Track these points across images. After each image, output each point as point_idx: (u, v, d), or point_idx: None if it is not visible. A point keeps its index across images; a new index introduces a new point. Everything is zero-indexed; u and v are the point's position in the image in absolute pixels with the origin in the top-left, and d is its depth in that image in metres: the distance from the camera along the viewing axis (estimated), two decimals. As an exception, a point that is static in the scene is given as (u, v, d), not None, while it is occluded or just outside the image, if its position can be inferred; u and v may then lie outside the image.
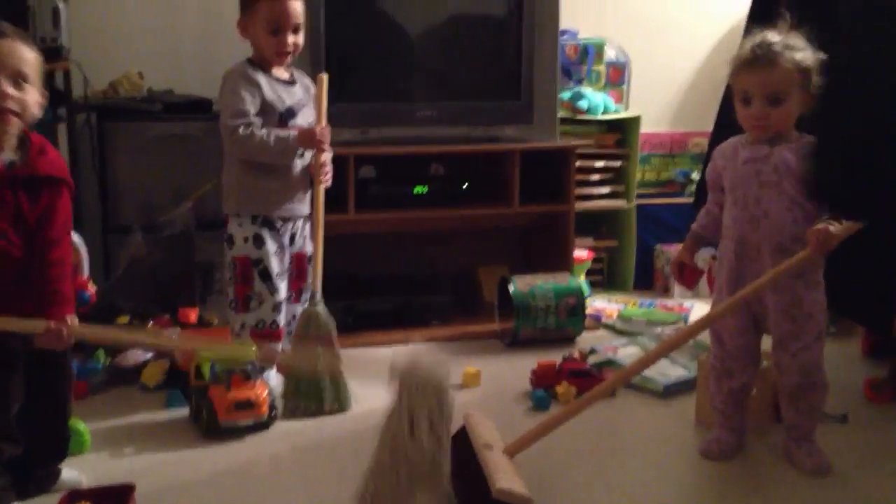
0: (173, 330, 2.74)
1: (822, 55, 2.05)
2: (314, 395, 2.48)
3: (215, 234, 3.19)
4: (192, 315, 2.82)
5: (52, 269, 1.79)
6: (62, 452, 2.00)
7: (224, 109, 2.51)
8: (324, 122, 2.58)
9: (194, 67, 3.54)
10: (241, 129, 2.46)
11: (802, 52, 2.04)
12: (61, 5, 3.04)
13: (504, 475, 1.79)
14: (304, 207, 2.66)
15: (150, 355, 2.70)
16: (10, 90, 1.73)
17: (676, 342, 2.21)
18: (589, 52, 3.80)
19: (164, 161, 3.24)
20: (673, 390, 2.58)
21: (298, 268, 2.68)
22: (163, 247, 3.04)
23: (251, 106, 2.49)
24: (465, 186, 3.32)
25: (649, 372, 2.55)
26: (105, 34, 3.48)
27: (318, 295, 2.56)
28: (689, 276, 2.22)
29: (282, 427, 2.37)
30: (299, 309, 2.66)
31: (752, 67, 2.05)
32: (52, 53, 2.91)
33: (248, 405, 2.29)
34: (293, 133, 2.52)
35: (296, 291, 2.69)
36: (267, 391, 2.34)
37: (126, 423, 2.40)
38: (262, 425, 2.33)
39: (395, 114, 3.23)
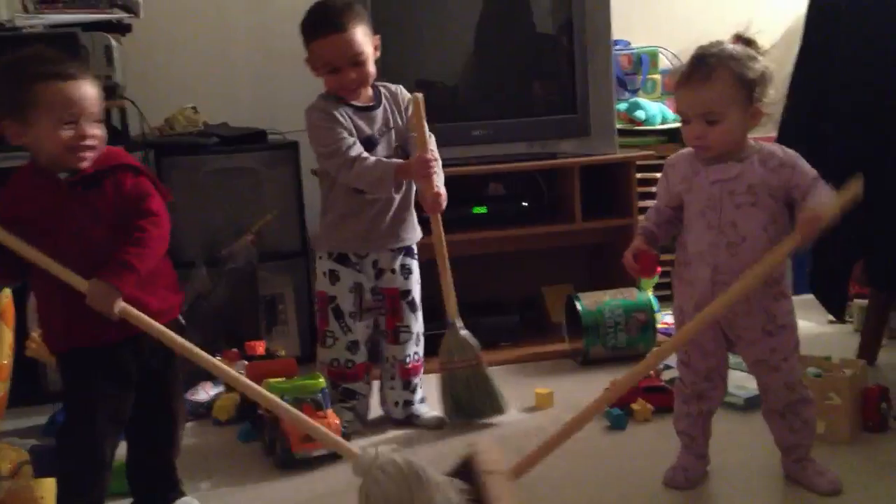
0: (241, 363, 2.72)
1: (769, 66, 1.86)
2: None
3: (277, 265, 3.20)
4: (259, 348, 2.81)
5: (137, 233, 1.82)
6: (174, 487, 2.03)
7: (319, 146, 2.44)
8: (432, 144, 2.46)
9: (248, 99, 3.56)
10: (349, 152, 2.38)
11: (747, 63, 1.85)
12: (114, 44, 3.06)
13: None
14: (388, 241, 2.52)
15: (220, 389, 2.70)
16: (97, 131, 1.83)
17: (646, 367, 1.97)
18: (643, 62, 3.75)
19: (223, 195, 3.21)
20: (755, 402, 2.48)
21: (392, 306, 2.54)
22: (226, 281, 3.03)
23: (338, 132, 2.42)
24: (524, 204, 3.27)
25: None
26: (158, 71, 3.52)
27: (457, 321, 2.51)
28: (645, 262, 2.01)
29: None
30: (398, 350, 2.56)
31: (686, 84, 1.86)
32: (106, 92, 2.89)
33: (321, 435, 2.24)
34: (394, 161, 2.42)
35: (391, 331, 2.55)
36: (338, 420, 2.31)
37: (202, 457, 2.39)
38: (336, 455, 2.29)
39: (451, 134, 3.18)
